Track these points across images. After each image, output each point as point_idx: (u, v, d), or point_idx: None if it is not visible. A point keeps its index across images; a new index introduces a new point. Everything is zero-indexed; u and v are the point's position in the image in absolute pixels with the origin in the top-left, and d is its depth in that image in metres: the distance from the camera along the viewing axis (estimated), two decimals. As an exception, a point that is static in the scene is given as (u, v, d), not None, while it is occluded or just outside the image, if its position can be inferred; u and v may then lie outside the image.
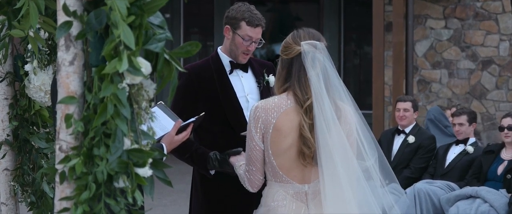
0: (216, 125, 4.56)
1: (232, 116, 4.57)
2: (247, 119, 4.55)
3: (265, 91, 4.65)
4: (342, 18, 15.32)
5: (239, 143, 4.40)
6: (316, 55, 3.68)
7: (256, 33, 4.54)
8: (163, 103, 4.10)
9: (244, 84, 4.65)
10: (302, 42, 3.71)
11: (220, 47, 4.70)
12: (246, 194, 4.30)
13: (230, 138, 4.52)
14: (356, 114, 3.75)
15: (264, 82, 4.69)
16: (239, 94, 4.61)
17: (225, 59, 4.65)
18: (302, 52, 3.69)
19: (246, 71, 4.68)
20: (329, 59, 3.71)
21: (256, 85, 4.68)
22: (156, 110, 4.01)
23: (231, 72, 4.64)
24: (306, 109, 3.65)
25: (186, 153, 4.52)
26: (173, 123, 4.02)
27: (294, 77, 3.69)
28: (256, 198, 4.29)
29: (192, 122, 4.07)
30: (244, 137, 4.32)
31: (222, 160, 4.39)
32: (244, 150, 4.21)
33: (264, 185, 3.87)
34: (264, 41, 4.65)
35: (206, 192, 4.65)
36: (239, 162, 4.14)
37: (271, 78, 4.69)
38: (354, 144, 3.72)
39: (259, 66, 4.75)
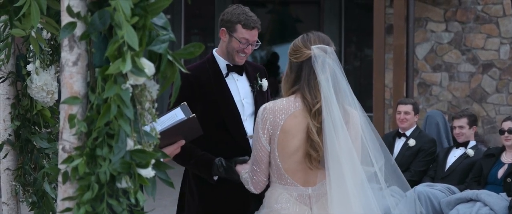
0: (212, 129, 4.44)
1: (230, 120, 4.50)
2: (244, 124, 4.52)
3: (258, 96, 4.59)
4: (343, 20, 15.32)
5: (236, 148, 4.35)
6: (326, 59, 3.68)
7: (253, 35, 4.48)
8: (185, 104, 3.92)
9: (239, 88, 4.58)
10: (312, 46, 3.71)
11: (215, 49, 4.63)
12: (243, 198, 4.27)
13: (226, 142, 4.46)
14: (363, 118, 3.75)
15: (258, 87, 4.62)
16: (235, 98, 4.54)
17: (222, 63, 4.58)
18: (312, 56, 3.68)
19: (241, 75, 4.61)
20: (338, 64, 3.71)
21: (250, 89, 4.61)
22: (178, 111, 3.87)
23: (227, 75, 4.58)
24: (315, 113, 3.64)
25: (190, 159, 4.44)
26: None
27: (304, 81, 3.68)
28: (253, 201, 4.26)
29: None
30: (243, 141, 4.29)
31: (228, 167, 4.32)
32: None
33: (267, 186, 3.86)
34: (260, 43, 4.59)
35: (203, 196, 4.57)
36: (245, 170, 4.07)
37: (264, 83, 4.63)
38: (359, 149, 3.72)
39: (253, 70, 4.69)
